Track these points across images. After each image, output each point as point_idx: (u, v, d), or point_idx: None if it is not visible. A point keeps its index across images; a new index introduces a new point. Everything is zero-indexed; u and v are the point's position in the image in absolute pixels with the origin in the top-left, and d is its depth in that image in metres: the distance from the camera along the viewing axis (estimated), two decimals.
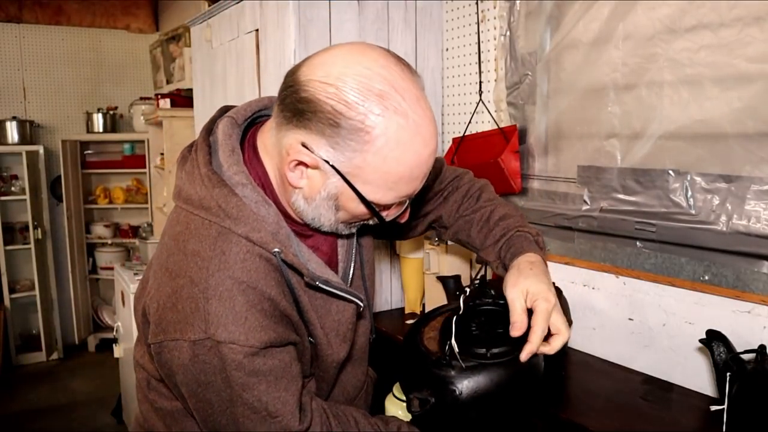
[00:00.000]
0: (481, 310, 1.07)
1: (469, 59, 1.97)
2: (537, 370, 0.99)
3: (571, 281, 1.70)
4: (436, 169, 1.19)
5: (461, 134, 1.96)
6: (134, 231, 4.68)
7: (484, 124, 1.94)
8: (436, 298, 1.85)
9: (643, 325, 1.52)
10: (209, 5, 2.45)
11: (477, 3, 1.91)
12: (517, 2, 1.80)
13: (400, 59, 0.82)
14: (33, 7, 4.49)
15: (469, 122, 1.96)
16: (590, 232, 1.63)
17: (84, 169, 4.66)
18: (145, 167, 4.41)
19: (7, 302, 4.28)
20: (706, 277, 1.38)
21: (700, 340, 1.24)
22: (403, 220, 0.94)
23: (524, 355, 0.91)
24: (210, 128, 0.93)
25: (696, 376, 1.40)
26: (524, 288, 0.95)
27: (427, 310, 1.93)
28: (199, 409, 0.88)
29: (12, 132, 4.35)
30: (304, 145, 0.80)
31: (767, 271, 1.27)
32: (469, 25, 1.97)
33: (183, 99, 3.43)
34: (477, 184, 1.19)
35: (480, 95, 1.92)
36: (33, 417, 3.58)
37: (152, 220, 4.30)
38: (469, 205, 1.16)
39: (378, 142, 0.77)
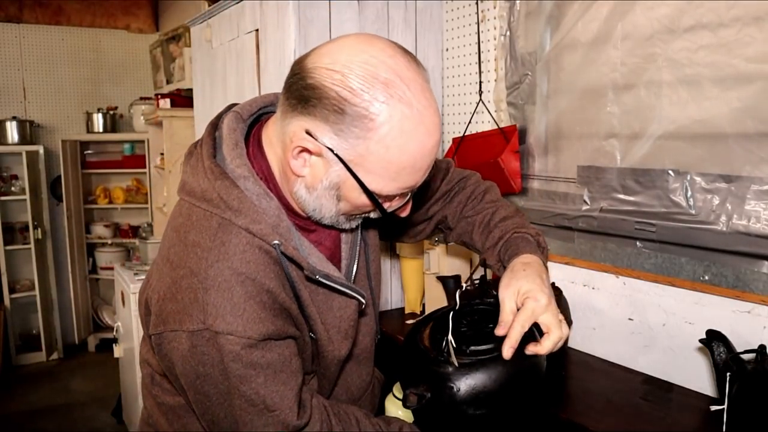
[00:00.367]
0: (476, 310, 1.07)
1: (469, 59, 1.98)
2: (538, 370, 0.98)
3: (571, 281, 1.70)
4: (444, 170, 1.19)
5: (461, 134, 1.96)
6: (134, 231, 4.68)
7: (484, 124, 1.94)
8: (436, 298, 1.85)
9: (643, 325, 1.52)
10: (209, 5, 2.45)
11: (477, 3, 1.91)
12: (517, 2, 1.80)
13: (406, 51, 0.83)
14: (33, 7, 4.48)
15: (469, 122, 1.96)
16: (590, 232, 1.63)
17: (84, 169, 4.66)
18: (145, 167, 4.41)
19: (7, 302, 4.28)
20: (706, 277, 1.38)
21: (700, 340, 1.24)
22: (403, 214, 0.93)
23: (505, 351, 0.91)
24: (216, 123, 0.94)
25: (696, 376, 1.40)
26: (515, 288, 0.95)
27: (427, 310, 1.94)
28: (198, 402, 0.88)
29: (12, 132, 4.34)
30: (308, 133, 0.80)
31: (767, 271, 1.27)
32: (469, 25, 1.97)
33: (183, 99, 3.42)
34: (482, 186, 1.19)
35: (480, 95, 1.92)
36: (33, 417, 3.58)
37: (152, 220, 4.29)
38: (472, 207, 1.16)
39: (381, 130, 0.77)
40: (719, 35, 1.32)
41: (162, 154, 3.62)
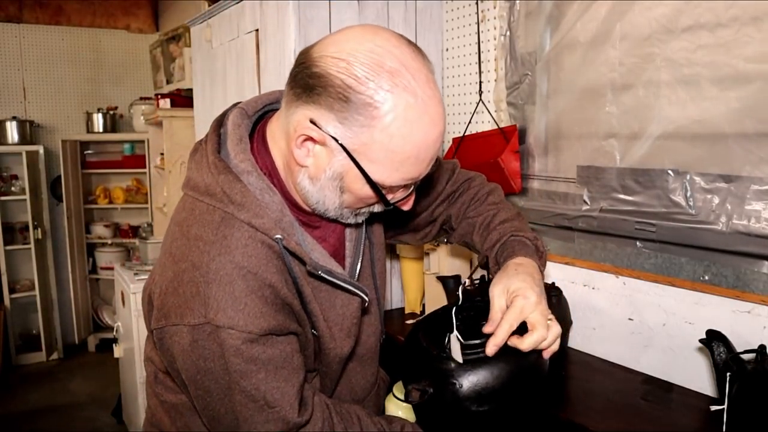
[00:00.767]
0: (474, 307, 1.07)
1: (469, 59, 1.98)
2: (541, 369, 0.97)
3: (571, 281, 1.70)
4: (450, 171, 1.20)
5: (461, 134, 1.96)
6: (134, 231, 4.68)
7: (484, 124, 1.94)
8: (436, 298, 1.85)
9: (643, 325, 1.52)
10: (209, 5, 2.45)
11: (477, 3, 1.91)
12: (517, 2, 1.80)
13: (411, 42, 0.83)
14: (33, 7, 4.49)
15: (469, 122, 1.96)
16: (590, 232, 1.63)
17: (84, 169, 4.66)
18: (145, 167, 4.41)
19: (7, 302, 4.28)
20: (706, 277, 1.38)
21: (700, 340, 1.24)
22: (406, 207, 0.93)
23: (489, 348, 0.90)
24: (221, 120, 0.94)
25: (696, 376, 1.40)
26: (505, 286, 0.95)
27: (427, 310, 1.94)
28: (199, 398, 0.88)
29: (12, 132, 4.35)
30: (312, 122, 0.80)
31: (767, 271, 1.27)
32: (469, 25, 1.97)
33: (183, 99, 3.42)
34: (486, 188, 1.19)
35: (480, 95, 1.92)
36: (33, 417, 3.58)
37: (152, 220, 4.29)
38: (474, 208, 1.16)
39: (386, 119, 0.77)
40: (717, 35, 1.32)
41: (162, 154, 3.62)
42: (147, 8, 4.82)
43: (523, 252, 1.03)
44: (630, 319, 1.55)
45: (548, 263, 1.79)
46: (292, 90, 0.83)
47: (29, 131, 4.44)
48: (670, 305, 1.46)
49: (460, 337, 0.94)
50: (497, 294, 0.94)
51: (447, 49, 2.08)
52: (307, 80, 0.80)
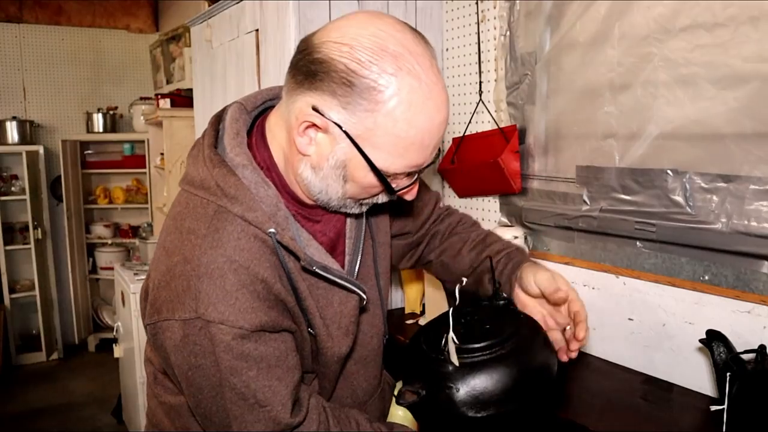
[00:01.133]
0: (478, 310, 1.04)
1: (469, 59, 1.97)
2: (548, 373, 0.94)
3: (571, 281, 1.69)
4: (436, 198, 1.26)
5: (461, 134, 1.96)
6: (134, 231, 4.68)
7: (484, 124, 1.94)
8: (436, 298, 1.85)
9: (643, 325, 1.52)
10: (209, 5, 2.45)
11: (477, 3, 1.91)
12: (517, 2, 1.80)
13: (414, 28, 0.82)
14: (33, 7, 4.49)
15: (469, 122, 1.96)
16: (590, 232, 1.63)
17: (84, 169, 4.66)
18: (145, 167, 4.41)
19: (7, 302, 4.28)
20: (706, 277, 1.38)
21: (700, 340, 1.24)
22: (409, 197, 0.91)
23: (574, 353, 0.98)
24: (220, 116, 0.93)
25: (696, 376, 1.40)
26: (564, 280, 1.06)
27: (427, 310, 1.94)
28: (191, 395, 0.86)
29: (12, 132, 4.35)
30: (315, 109, 0.79)
31: (767, 271, 1.27)
32: (469, 25, 1.97)
33: (183, 99, 3.43)
34: (471, 219, 1.27)
35: (480, 95, 1.92)
36: (33, 417, 3.58)
37: (152, 220, 4.29)
38: (462, 227, 1.23)
39: (390, 103, 0.76)
40: (715, 34, 1.32)
41: (162, 154, 3.62)
42: (147, 8, 4.82)
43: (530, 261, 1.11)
44: (630, 319, 1.55)
45: (548, 263, 1.79)
46: (294, 78, 0.82)
47: (29, 131, 4.44)
48: (670, 305, 1.46)
49: (455, 339, 0.92)
50: (568, 286, 1.06)
51: (447, 49, 2.08)
52: (309, 66, 0.79)
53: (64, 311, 4.64)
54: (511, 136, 1.79)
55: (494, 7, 1.89)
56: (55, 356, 4.54)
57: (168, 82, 4.37)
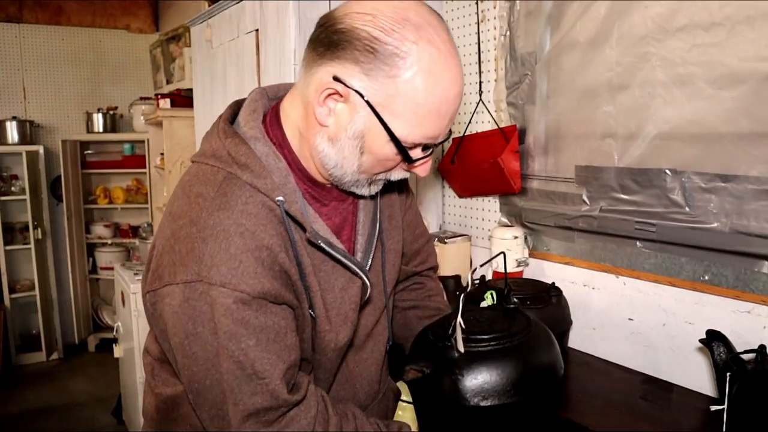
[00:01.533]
0: (480, 319, 1.04)
1: (469, 59, 1.97)
2: (554, 372, 0.93)
3: (571, 281, 1.70)
4: (431, 242, 1.28)
5: (461, 134, 1.96)
6: (134, 231, 4.68)
7: (484, 124, 1.94)
8: None
9: (643, 325, 1.52)
10: (209, 5, 2.45)
11: (477, 3, 1.91)
12: (517, 2, 1.80)
13: (431, 8, 0.85)
14: (33, 7, 4.49)
15: (469, 122, 1.96)
16: (590, 232, 1.63)
17: (84, 169, 4.66)
18: (145, 167, 4.40)
19: (7, 302, 4.28)
20: (706, 277, 1.38)
21: (700, 340, 1.24)
22: (423, 172, 0.91)
23: None
24: (240, 101, 0.97)
25: (696, 376, 1.40)
26: None
27: None
28: (185, 368, 0.84)
29: (12, 132, 4.34)
30: (335, 78, 0.80)
31: (767, 271, 1.27)
32: (469, 25, 1.97)
33: (183, 99, 3.42)
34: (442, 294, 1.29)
35: (480, 95, 1.92)
36: (33, 417, 3.58)
37: (152, 220, 4.29)
38: (432, 302, 1.24)
39: (411, 70, 0.78)
40: (712, 34, 1.32)
41: (162, 154, 3.62)
42: (147, 8, 4.82)
43: None
44: (630, 319, 1.55)
45: (548, 263, 1.79)
46: (315, 50, 0.83)
47: (29, 131, 4.43)
48: (670, 305, 1.46)
49: (463, 324, 0.91)
50: None
51: None
52: (332, 37, 0.81)
53: (64, 311, 4.64)
54: (511, 136, 1.79)
55: (494, 7, 1.88)
56: (55, 356, 4.54)
57: (168, 82, 4.36)
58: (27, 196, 4.28)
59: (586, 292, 1.66)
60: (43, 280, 4.45)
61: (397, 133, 0.82)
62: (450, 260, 1.84)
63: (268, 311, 0.83)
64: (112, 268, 4.03)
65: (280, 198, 0.85)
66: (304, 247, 0.89)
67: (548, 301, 1.53)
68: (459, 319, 0.91)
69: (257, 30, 2.00)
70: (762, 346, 1.15)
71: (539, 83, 1.77)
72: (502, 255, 1.07)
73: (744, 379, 1.13)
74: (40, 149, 4.40)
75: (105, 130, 4.60)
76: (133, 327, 2.85)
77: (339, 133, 0.84)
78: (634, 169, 1.50)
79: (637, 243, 1.51)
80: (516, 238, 1.79)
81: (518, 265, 1.80)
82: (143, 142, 4.30)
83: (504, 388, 0.88)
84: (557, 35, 1.69)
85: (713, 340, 1.21)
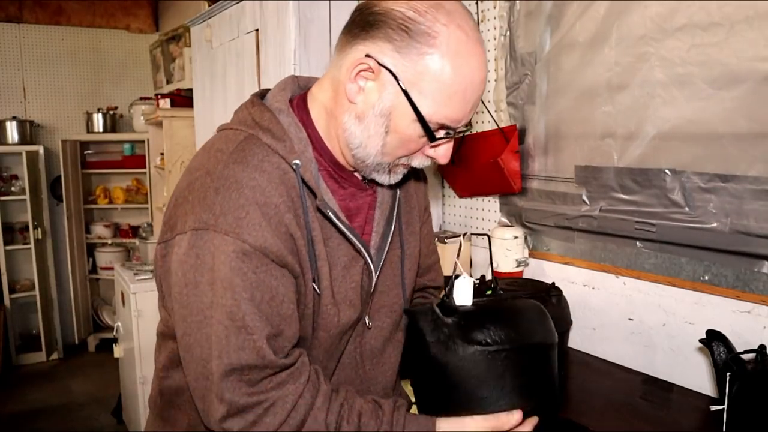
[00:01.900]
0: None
1: None
2: (549, 371, 0.94)
3: (571, 281, 1.70)
4: (440, 266, 1.30)
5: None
6: (134, 231, 4.68)
7: (484, 124, 1.94)
8: None
9: (643, 325, 1.52)
10: (209, 5, 2.45)
11: (477, 3, 1.91)
12: (517, 2, 1.80)
13: (463, 3, 0.89)
14: (33, 7, 4.49)
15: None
16: (590, 232, 1.63)
17: (84, 169, 4.65)
18: (145, 167, 4.40)
19: (7, 302, 4.28)
20: (706, 277, 1.38)
21: (700, 340, 1.24)
22: (444, 159, 0.93)
23: None
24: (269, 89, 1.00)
25: (696, 376, 1.40)
26: None
27: None
28: (181, 320, 0.86)
29: (12, 132, 4.34)
30: (368, 56, 0.84)
31: (767, 271, 1.27)
32: None
33: (183, 99, 3.42)
34: None
35: None
36: (33, 417, 3.58)
37: (152, 220, 4.29)
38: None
39: (441, 49, 0.82)
40: (711, 33, 1.32)
41: (162, 154, 3.62)
42: (147, 8, 4.82)
43: None
44: (630, 319, 1.55)
45: (548, 263, 1.79)
46: (349, 33, 0.87)
47: (29, 131, 4.43)
48: (670, 305, 1.46)
49: (465, 275, 0.94)
50: None
51: None
52: (367, 18, 0.85)
53: (64, 311, 4.63)
54: (511, 136, 1.79)
55: (494, 7, 1.88)
56: (55, 356, 4.54)
57: (168, 82, 4.36)
58: (27, 196, 4.28)
59: (586, 292, 1.66)
60: (43, 280, 4.45)
61: (423, 112, 0.84)
62: (450, 260, 1.84)
63: (267, 270, 0.83)
64: (112, 268, 4.03)
65: (297, 161, 0.88)
66: (315, 215, 0.91)
67: (548, 301, 1.53)
68: (465, 275, 0.94)
69: (257, 30, 2.00)
70: (762, 346, 1.15)
71: (539, 83, 1.77)
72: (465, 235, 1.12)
73: (744, 379, 1.13)
74: (40, 149, 4.40)
75: (105, 130, 4.60)
76: (133, 327, 2.85)
77: (366, 110, 0.87)
78: (634, 169, 1.50)
79: (637, 243, 1.51)
80: (516, 238, 1.79)
81: (518, 265, 1.80)
82: (143, 142, 4.30)
83: (498, 333, 0.89)
84: (557, 35, 1.69)
85: (713, 340, 1.21)
